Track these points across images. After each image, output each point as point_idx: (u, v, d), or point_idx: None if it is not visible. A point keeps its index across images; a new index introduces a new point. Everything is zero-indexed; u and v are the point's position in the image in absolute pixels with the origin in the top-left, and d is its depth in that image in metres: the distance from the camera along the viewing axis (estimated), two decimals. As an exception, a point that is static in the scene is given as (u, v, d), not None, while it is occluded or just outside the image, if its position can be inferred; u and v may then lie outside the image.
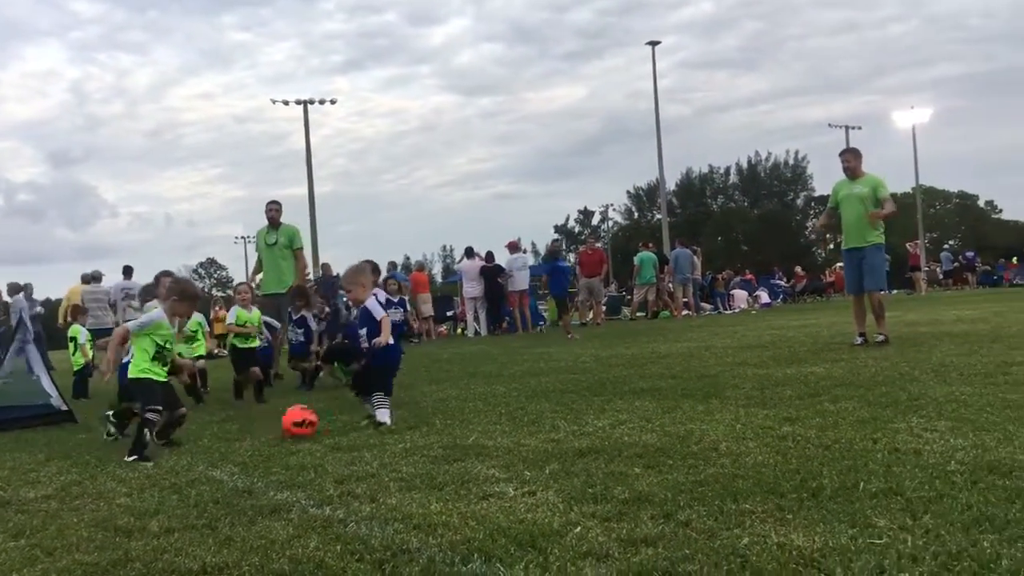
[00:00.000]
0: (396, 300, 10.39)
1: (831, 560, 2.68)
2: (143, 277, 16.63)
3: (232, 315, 9.49)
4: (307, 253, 36.28)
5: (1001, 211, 75.36)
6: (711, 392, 6.75)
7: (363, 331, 6.74)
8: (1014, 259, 39.66)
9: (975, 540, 2.74)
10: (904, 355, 8.60)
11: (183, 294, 6.50)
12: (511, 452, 4.92)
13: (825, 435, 4.68)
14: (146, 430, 5.85)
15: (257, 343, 9.51)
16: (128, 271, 18.93)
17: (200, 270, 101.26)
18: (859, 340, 10.16)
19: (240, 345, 9.40)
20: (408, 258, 65.19)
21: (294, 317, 10.59)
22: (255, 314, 9.53)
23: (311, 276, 31.39)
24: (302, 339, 10.55)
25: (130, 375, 6.17)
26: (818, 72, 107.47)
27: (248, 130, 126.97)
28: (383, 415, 6.44)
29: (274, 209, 12.22)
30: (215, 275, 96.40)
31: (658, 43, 42.76)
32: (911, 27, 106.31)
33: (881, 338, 10.09)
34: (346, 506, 3.94)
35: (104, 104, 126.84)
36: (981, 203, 76.20)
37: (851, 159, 10.51)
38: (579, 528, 3.24)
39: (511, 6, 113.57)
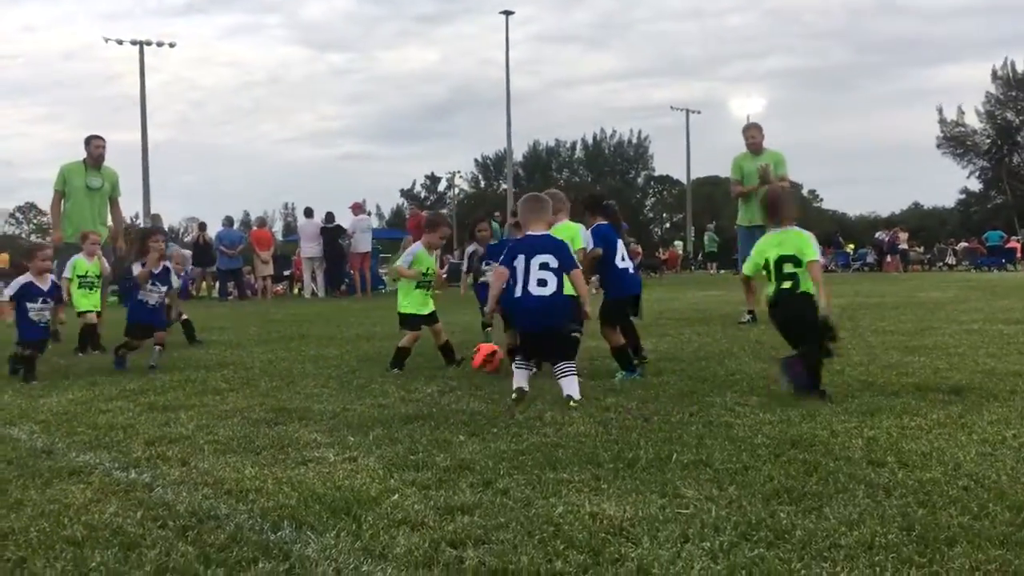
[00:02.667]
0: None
1: (639, 529, 2.74)
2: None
3: (413, 252, 6.99)
4: (139, 204, 34.42)
5: (821, 200, 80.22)
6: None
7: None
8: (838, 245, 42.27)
9: (773, 511, 2.87)
10: (725, 332, 9.00)
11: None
12: (336, 417, 4.82)
13: (646, 407, 4.81)
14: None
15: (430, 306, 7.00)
16: None
17: (18, 215, 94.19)
18: (747, 317, 9.97)
19: (415, 311, 6.88)
20: (248, 214, 63.02)
21: (155, 272, 7.66)
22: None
23: (140, 226, 29.83)
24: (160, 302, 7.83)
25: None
26: (664, 55, 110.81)
27: (77, 69, 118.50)
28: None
29: (102, 146, 10.24)
30: (34, 221, 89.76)
31: (512, 13, 42.82)
32: (750, 19, 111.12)
33: (747, 318, 9.92)
34: (154, 469, 3.73)
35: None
36: (804, 191, 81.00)
37: (756, 134, 10.45)
38: (397, 496, 3.19)
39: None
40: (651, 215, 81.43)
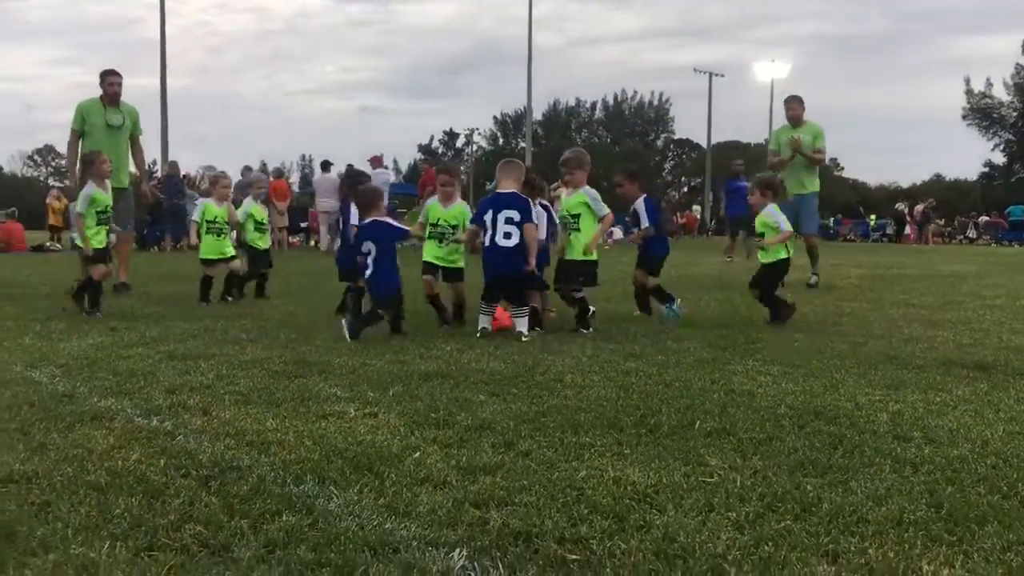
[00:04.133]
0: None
1: (664, 496, 2.72)
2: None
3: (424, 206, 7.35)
4: (157, 151, 34.47)
5: (843, 168, 79.29)
6: (559, 324, 6.80)
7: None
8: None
9: (799, 483, 2.84)
10: (745, 300, 8.92)
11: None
12: (355, 371, 4.81)
13: (666, 373, 4.78)
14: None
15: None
16: None
17: (36, 157, 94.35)
18: (814, 279, 10.62)
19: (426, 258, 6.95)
20: (265, 164, 62.87)
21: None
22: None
23: (157, 173, 29.81)
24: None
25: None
26: (688, 16, 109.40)
27: (98, 11, 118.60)
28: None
29: (117, 83, 9.67)
30: (52, 164, 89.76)
31: (537, -32, 42.21)
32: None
33: (814, 279, 10.45)
34: (175, 418, 3.74)
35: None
36: (826, 160, 80.00)
37: (796, 107, 10.78)
38: (419, 453, 3.18)
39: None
40: (670, 178, 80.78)
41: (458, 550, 2.31)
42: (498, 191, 6.43)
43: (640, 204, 7.29)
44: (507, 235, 6.20)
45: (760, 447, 3.29)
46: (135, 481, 2.85)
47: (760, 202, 7.03)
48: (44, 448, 3.26)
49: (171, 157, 31.34)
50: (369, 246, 6.32)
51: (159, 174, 31.02)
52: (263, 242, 9.11)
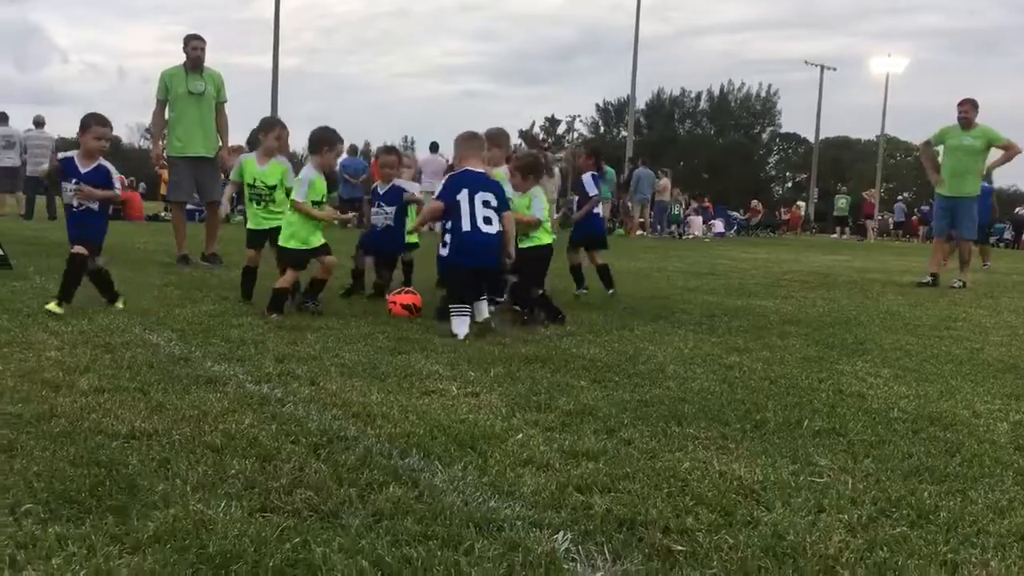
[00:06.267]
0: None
1: (771, 493, 2.66)
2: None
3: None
4: (266, 127, 35.45)
5: (959, 170, 75.93)
6: (661, 314, 6.73)
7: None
8: None
9: (914, 489, 2.74)
10: (852, 300, 8.68)
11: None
12: (456, 351, 4.85)
13: (771, 369, 4.68)
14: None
15: None
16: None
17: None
18: (927, 279, 10.65)
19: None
20: (368, 144, 64.12)
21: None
22: None
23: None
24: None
25: None
26: (801, 6, 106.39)
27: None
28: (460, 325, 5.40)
29: (199, 48, 9.33)
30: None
31: (648, -45, 41.65)
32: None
33: (959, 284, 10.48)
34: (284, 386, 3.84)
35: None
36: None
37: (969, 109, 10.59)
38: (521, 435, 3.19)
39: None
40: (773, 173, 78.93)
41: (562, 533, 2.30)
42: (468, 168, 5.70)
43: (587, 177, 7.77)
44: (487, 220, 5.52)
45: (872, 450, 3.18)
46: (248, 444, 2.93)
47: (521, 185, 6.30)
48: (163, 408, 3.39)
49: (280, 135, 32.14)
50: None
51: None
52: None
